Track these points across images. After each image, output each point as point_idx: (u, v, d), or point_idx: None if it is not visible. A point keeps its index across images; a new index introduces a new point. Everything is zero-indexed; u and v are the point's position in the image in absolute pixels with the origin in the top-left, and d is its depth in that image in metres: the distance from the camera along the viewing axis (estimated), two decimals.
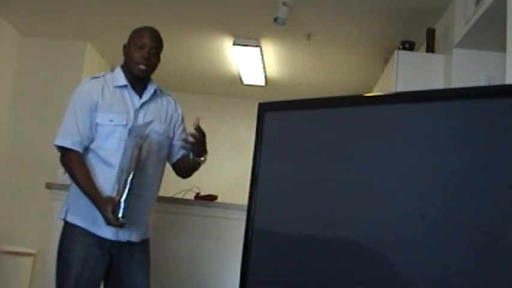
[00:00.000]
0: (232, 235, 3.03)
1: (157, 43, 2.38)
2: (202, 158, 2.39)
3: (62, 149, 2.27)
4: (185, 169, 2.50)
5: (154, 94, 2.41)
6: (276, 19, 4.06)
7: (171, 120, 2.46)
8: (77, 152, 2.25)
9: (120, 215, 2.09)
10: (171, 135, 2.45)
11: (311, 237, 1.46)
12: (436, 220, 1.26)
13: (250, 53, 5.08)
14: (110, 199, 2.14)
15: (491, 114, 1.24)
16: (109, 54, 5.46)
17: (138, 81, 2.37)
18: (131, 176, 2.11)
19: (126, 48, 2.38)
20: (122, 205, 2.09)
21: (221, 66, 5.58)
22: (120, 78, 2.36)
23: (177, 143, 2.45)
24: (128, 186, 2.10)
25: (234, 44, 4.93)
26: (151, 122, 2.26)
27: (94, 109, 2.27)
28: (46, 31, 5.13)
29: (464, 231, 1.21)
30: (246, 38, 4.88)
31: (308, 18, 4.43)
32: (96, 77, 2.36)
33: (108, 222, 2.12)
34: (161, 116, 2.41)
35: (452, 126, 1.29)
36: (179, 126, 2.50)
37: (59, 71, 5.15)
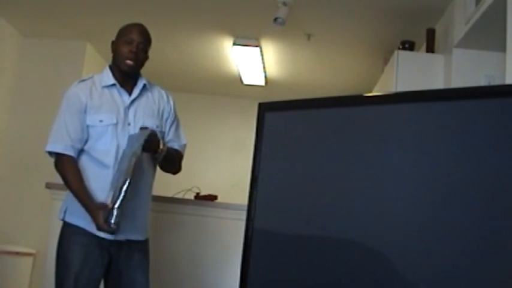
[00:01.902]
0: (232, 235, 3.03)
1: (146, 39, 2.36)
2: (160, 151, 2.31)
3: (55, 155, 2.28)
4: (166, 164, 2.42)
5: (144, 89, 2.39)
6: (276, 19, 4.06)
7: (163, 115, 2.43)
8: (70, 156, 2.25)
9: (112, 221, 2.09)
10: (164, 129, 2.42)
11: (311, 237, 1.46)
12: (436, 220, 1.26)
13: (250, 53, 5.08)
14: (101, 205, 2.14)
15: (491, 114, 1.24)
16: (109, 54, 5.42)
17: (127, 78, 2.36)
18: (127, 183, 2.10)
19: (115, 45, 2.38)
20: (115, 212, 2.09)
21: (221, 66, 5.58)
22: (108, 77, 2.36)
23: (167, 139, 2.43)
24: (122, 194, 2.09)
25: (234, 44, 4.93)
26: (148, 129, 2.24)
27: (83, 111, 2.27)
28: (46, 31, 5.13)
29: (464, 232, 1.21)
30: (246, 38, 4.88)
31: (308, 18, 4.43)
32: (83, 80, 2.37)
33: (99, 228, 2.12)
34: (153, 110, 2.39)
35: (452, 126, 1.29)
36: (171, 122, 2.46)
37: (59, 71, 5.15)
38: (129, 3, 4.38)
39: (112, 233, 2.12)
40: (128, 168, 2.12)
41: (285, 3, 4.04)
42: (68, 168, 2.24)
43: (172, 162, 2.41)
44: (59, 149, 2.25)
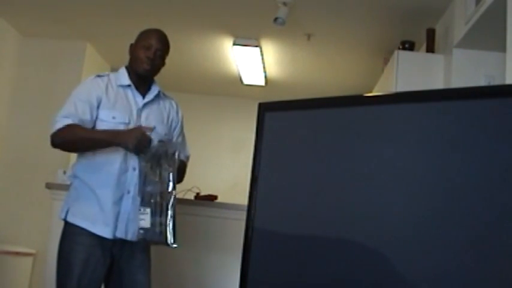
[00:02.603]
0: (232, 235, 3.02)
1: (164, 46, 2.39)
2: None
3: (57, 132, 2.23)
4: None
5: (158, 96, 2.43)
6: (276, 19, 4.06)
7: (171, 124, 2.47)
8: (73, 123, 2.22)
9: (171, 241, 2.11)
10: (171, 137, 2.45)
11: (311, 237, 1.46)
12: (436, 220, 1.26)
13: (250, 53, 5.08)
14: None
15: (491, 114, 1.24)
16: (109, 54, 5.46)
17: (142, 81, 2.38)
18: (172, 199, 2.11)
19: (133, 47, 2.39)
20: (171, 230, 2.11)
21: (221, 66, 5.58)
22: (124, 78, 2.37)
23: None
24: (170, 211, 2.11)
25: (234, 44, 4.93)
26: (170, 143, 2.27)
27: (95, 104, 2.27)
28: (46, 31, 5.13)
29: (464, 231, 1.21)
30: (246, 38, 4.88)
31: (308, 18, 4.43)
32: (100, 76, 2.38)
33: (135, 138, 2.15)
34: (163, 118, 2.42)
35: (452, 126, 1.29)
36: (178, 133, 2.51)
37: (59, 71, 5.15)
38: (129, 4, 4.38)
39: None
40: (164, 184, 2.13)
41: (285, 3, 4.04)
42: (72, 128, 2.21)
43: (178, 173, 2.42)
44: (64, 123, 2.21)
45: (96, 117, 2.27)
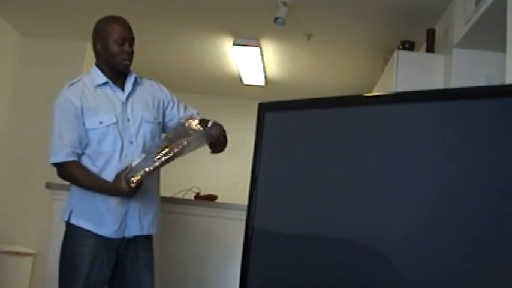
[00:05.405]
0: (232, 235, 3.03)
1: (132, 33, 2.37)
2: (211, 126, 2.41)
3: (58, 165, 2.24)
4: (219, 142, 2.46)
5: (136, 83, 2.37)
6: (276, 19, 4.06)
7: (159, 105, 2.41)
8: (73, 161, 2.21)
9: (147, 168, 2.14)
10: (161, 119, 2.41)
11: (311, 237, 1.46)
12: (435, 220, 1.26)
13: (250, 53, 5.08)
14: (117, 175, 2.16)
15: (491, 114, 1.24)
16: None
17: (118, 75, 2.34)
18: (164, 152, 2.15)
19: (103, 44, 2.35)
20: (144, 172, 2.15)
21: (221, 66, 5.58)
22: (99, 76, 2.33)
23: (170, 123, 2.43)
24: (157, 162, 2.14)
25: (234, 44, 4.93)
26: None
27: (79, 116, 2.22)
28: (46, 31, 5.13)
29: (464, 232, 1.21)
30: (246, 38, 4.88)
31: (308, 18, 4.43)
32: (73, 83, 2.32)
33: (122, 191, 2.14)
34: (148, 103, 2.36)
35: (452, 126, 1.29)
36: (176, 102, 2.47)
37: (59, 71, 5.13)
38: (129, 4, 4.38)
39: (133, 191, 2.15)
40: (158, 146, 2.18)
41: (285, 3, 4.04)
42: (74, 170, 2.21)
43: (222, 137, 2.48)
44: (61, 158, 2.20)
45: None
